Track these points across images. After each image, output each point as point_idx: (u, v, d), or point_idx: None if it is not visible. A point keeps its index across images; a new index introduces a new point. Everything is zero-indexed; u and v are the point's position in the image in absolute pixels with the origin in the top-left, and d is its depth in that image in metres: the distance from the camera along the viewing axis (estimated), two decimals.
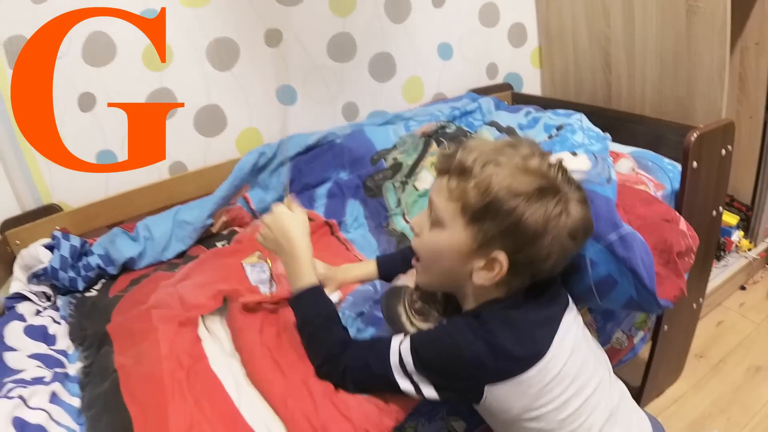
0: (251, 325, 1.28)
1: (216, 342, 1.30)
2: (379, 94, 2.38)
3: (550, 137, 1.81)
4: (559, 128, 1.83)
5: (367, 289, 1.33)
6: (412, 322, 1.16)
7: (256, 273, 1.54)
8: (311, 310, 1.18)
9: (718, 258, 2.45)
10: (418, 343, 1.03)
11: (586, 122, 1.88)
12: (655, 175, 1.67)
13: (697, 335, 1.99)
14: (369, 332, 1.18)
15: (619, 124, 2.02)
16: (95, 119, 1.93)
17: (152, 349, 1.24)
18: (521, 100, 2.52)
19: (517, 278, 1.02)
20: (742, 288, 2.49)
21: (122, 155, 1.99)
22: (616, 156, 1.75)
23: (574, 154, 1.51)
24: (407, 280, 1.27)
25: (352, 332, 1.18)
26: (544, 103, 2.32)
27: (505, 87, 2.60)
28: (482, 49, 2.55)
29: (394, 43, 2.34)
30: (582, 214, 1.00)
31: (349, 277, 1.44)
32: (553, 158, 1.02)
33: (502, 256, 0.97)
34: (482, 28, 2.52)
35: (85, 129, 1.93)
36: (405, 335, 1.05)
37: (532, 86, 2.74)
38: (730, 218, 2.46)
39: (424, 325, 1.15)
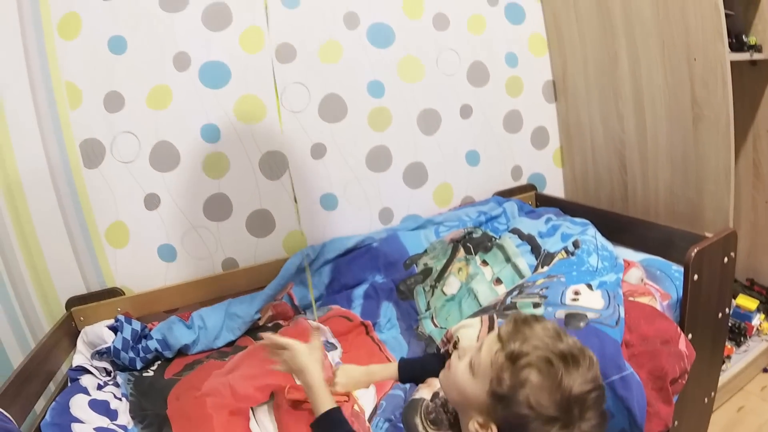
0: (299, 421, 1.41)
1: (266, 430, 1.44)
2: (412, 200, 2.52)
3: (567, 252, 1.92)
4: (576, 245, 1.93)
5: (398, 395, 1.47)
6: (427, 431, 1.32)
7: None
8: None
9: (739, 344, 2.45)
10: None
11: (600, 239, 1.97)
12: (662, 285, 1.77)
13: (718, 422, 1.99)
14: None
15: (632, 229, 2.12)
16: (159, 217, 2.13)
17: None
18: (544, 200, 2.64)
19: None
20: (765, 371, 2.45)
21: (180, 249, 2.18)
22: (628, 265, 1.85)
23: (590, 287, 1.63)
24: (424, 392, 1.42)
25: None
26: (565, 206, 2.42)
27: (528, 188, 2.72)
28: (507, 153, 2.70)
29: (425, 153, 2.51)
30: None
31: (373, 379, 1.58)
32: (590, 379, 1.07)
33: (494, 430, 1.09)
34: (507, 134, 2.67)
35: (149, 225, 2.14)
36: None
37: (554, 185, 2.85)
38: (749, 303, 2.46)
39: None
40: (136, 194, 2.11)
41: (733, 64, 1.96)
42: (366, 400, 1.51)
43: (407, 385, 1.53)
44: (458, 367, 1.20)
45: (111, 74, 2.03)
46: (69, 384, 1.71)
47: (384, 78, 2.38)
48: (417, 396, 1.42)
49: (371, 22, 2.34)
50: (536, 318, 1.15)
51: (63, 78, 1.98)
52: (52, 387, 1.77)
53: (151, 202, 2.13)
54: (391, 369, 1.59)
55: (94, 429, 1.46)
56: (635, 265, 1.88)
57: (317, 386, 1.37)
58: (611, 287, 1.65)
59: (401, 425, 1.36)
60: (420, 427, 1.33)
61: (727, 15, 1.94)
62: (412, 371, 1.57)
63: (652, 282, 1.81)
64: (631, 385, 1.33)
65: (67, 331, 1.95)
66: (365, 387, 1.57)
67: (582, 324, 1.44)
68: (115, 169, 2.07)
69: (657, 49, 2.16)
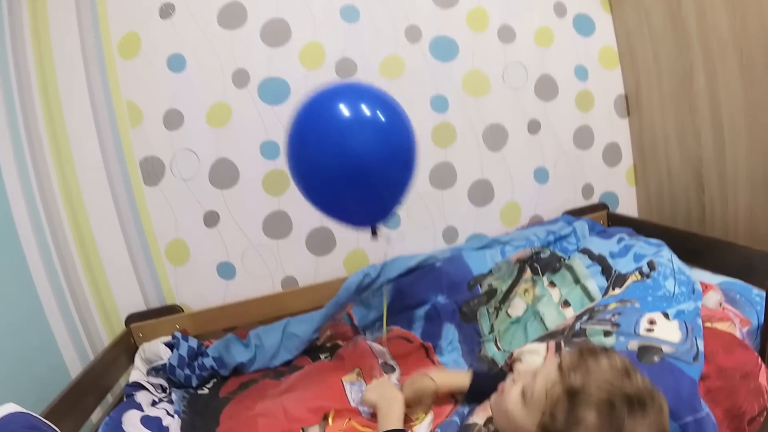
0: None
1: None
2: (477, 219, 2.45)
3: (641, 274, 1.81)
4: (651, 266, 1.82)
5: (454, 422, 1.39)
6: None
7: (355, 392, 1.66)
8: None
9: None
10: None
11: (677, 262, 1.85)
12: (742, 310, 1.65)
13: None
14: None
15: (710, 251, 1.99)
16: (218, 235, 2.16)
17: None
18: (616, 220, 2.52)
19: None
20: None
21: (240, 267, 2.20)
22: (705, 287, 1.74)
23: (667, 316, 1.52)
24: (478, 417, 1.35)
25: None
26: (638, 226, 2.31)
27: (600, 207, 2.60)
28: (577, 171, 2.58)
29: (492, 170, 2.44)
30: None
31: (443, 386, 1.51)
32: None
33: None
34: (577, 150, 2.55)
35: (209, 242, 2.16)
36: None
37: (627, 204, 2.71)
38: None
39: None
40: (196, 212, 2.15)
41: None
42: (420, 429, 1.45)
43: (465, 411, 1.46)
44: (510, 392, 1.12)
45: (170, 92, 2.08)
46: (125, 399, 1.72)
47: (448, 92, 2.33)
48: (470, 421, 1.35)
49: (434, 36, 2.30)
50: (605, 351, 1.05)
51: (124, 97, 2.05)
52: (111, 401, 1.84)
53: (211, 219, 2.16)
54: (463, 381, 1.51)
55: None
56: (713, 288, 1.75)
57: (395, 412, 1.38)
58: (689, 317, 1.53)
59: None
60: None
61: None
62: (483, 387, 1.45)
63: (732, 306, 1.68)
64: (705, 428, 1.19)
65: (126, 347, 2.01)
66: (428, 404, 1.52)
67: (656, 358, 1.31)
68: (174, 186, 2.12)
69: (735, 61, 2.01)
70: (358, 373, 1.75)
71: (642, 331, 1.46)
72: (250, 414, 1.59)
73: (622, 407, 0.93)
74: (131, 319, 2.11)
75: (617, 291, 1.80)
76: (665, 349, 1.35)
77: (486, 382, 1.47)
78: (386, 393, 1.46)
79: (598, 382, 0.96)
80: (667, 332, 1.44)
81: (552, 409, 0.98)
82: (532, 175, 2.52)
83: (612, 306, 1.65)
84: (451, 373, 1.59)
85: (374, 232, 1.66)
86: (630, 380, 0.97)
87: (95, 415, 1.74)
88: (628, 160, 2.67)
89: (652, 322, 1.49)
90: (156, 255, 2.15)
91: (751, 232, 2.14)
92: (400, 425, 1.34)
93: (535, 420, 1.01)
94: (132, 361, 1.96)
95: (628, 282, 1.81)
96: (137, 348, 2.00)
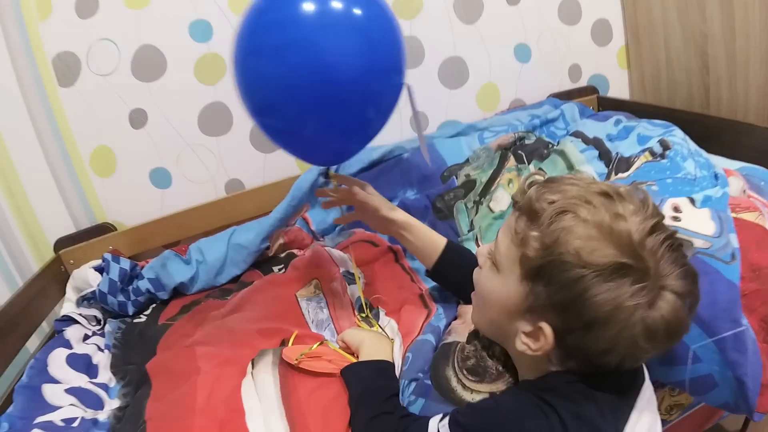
0: (309, 377, 1.17)
1: (262, 389, 1.18)
2: (450, 103, 2.25)
3: (653, 154, 1.59)
4: (664, 145, 1.60)
5: (428, 342, 1.19)
6: (464, 386, 1.02)
7: (313, 310, 1.46)
8: (371, 381, 1.07)
9: None
10: (461, 415, 0.86)
11: (692, 144, 1.64)
12: None
13: None
14: (419, 403, 1.04)
15: (721, 134, 1.82)
16: (148, 136, 1.94)
17: (188, 397, 1.15)
18: (608, 105, 2.35)
19: (571, 361, 0.83)
20: None
21: (176, 173, 2.00)
22: (725, 173, 1.51)
23: (692, 201, 1.29)
24: (458, 333, 1.16)
25: (404, 401, 1.05)
26: (635, 109, 2.13)
27: (589, 90, 2.42)
28: (563, 50, 2.38)
29: (465, 46, 2.22)
30: (674, 311, 0.77)
31: (406, 232, 1.32)
32: (663, 229, 0.81)
33: (547, 331, 0.80)
34: (563, 26, 2.34)
35: (138, 147, 1.95)
36: (444, 415, 0.88)
37: (619, 89, 2.54)
38: None
39: (479, 387, 1.01)
40: (120, 111, 1.93)
41: None
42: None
43: (441, 325, 1.25)
44: (481, 275, 0.97)
45: None
46: (55, 336, 1.58)
47: None
48: (450, 339, 1.14)
49: None
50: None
51: None
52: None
53: (138, 119, 1.94)
54: (435, 246, 1.30)
55: (67, 390, 1.28)
56: (734, 173, 1.52)
57: (385, 346, 1.18)
58: (720, 206, 1.28)
59: (429, 382, 1.07)
60: (453, 381, 1.03)
61: None
62: (453, 267, 1.25)
63: (757, 194, 1.46)
64: (746, 346, 0.98)
65: (56, 277, 1.82)
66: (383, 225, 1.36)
67: (688, 254, 1.07)
68: (92, 84, 1.89)
69: None
70: (315, 285, 1.54)
71: (666, 220, 1.22)
72: (189, 342, 1.37)
73: (602, 200, 0.80)
74: (60, 244, 1.91)
75: (624, 174, 1.58)
76: (697, 243, 1.12)
77: (457, 263, 1.26)
78: (377, 335, 1.25)
79: (562, 190, 0.83)
80: (696, 222, 1.20)
81: (524, 244, 0.82)
82: (513, 53, 2.31)
83: None
84: (427, 231, 1.34)
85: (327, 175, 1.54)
86: (599, 183, 0.85)
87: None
88: (619, 40, 2.49)
89: (677, 209, 1.27)
90: (79, 167, 1.93)
91: (763, 116, 2.00)
92: (389, 359, 1.14)
93: (516, 275, 0.84)
94: (66, 292, 1.78)
95: (637, 164, 1.60)
96: (69, 277, 1.81)
